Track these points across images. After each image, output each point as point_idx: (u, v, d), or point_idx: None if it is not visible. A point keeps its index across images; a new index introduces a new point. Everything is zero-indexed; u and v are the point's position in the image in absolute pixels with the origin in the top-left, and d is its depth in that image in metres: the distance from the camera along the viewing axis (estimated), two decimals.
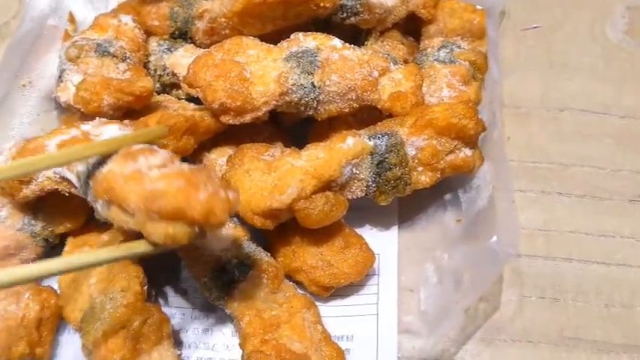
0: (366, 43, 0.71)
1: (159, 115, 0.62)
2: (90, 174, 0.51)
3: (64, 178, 0.56)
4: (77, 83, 0.65)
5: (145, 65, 0.71)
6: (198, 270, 0.59)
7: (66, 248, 0.62)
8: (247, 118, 0.62)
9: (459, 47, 0.70)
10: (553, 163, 0.71)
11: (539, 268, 0.65)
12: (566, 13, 0.80)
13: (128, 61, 0.68)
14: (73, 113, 0.70)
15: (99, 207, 0.51)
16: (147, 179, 0.45)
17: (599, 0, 0.80)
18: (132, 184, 0.46)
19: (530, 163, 0.71)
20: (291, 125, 0.69)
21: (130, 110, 0.64)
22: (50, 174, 0.56)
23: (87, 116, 0.64)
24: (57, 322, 0.60)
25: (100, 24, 0.71)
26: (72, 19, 0.78)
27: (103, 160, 0.50)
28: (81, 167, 0.52)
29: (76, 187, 0.55)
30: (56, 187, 0.57)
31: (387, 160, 0.59)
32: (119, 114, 0.64)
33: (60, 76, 0.67)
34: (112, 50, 0.68)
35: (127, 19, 0.72)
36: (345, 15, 0.68)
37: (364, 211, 0.65)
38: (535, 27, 0.79)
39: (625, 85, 0.75)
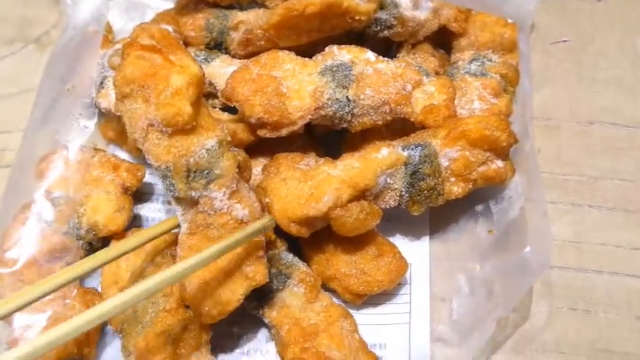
0: (398, 55, 0.73)
1: None
2: None
3: None
4: None
5: None
6: None
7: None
8: (283, 132, 0.63)
9: (490, 60, 0.71)
10: (583, 175, 0.71)
11: (569, 279, 0.65)
12: (596, 27, 0.80)
13: None
14: (111, 119, 0.72)
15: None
16: None
17: (629, 14, 0.81)
18: None
19: (561, 176, 0.71)
20: (324, 135, 0.70)
21: None
22: None
23: None
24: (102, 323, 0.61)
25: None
26: (109, 29, 0.80)
27: None
28: None
29: None
30: None
31: (420, 170, 0.60)
32: None
33: (101, 83, 0.69)
34: None
35: (167, 28, 0.74)
36: (379, 28, 0.69)
37: (395, 221, 0.66)
38: (564, 41, 0.79)
39: None
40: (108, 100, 0.69)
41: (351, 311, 0.61)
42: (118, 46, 0.72)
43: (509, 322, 0.63)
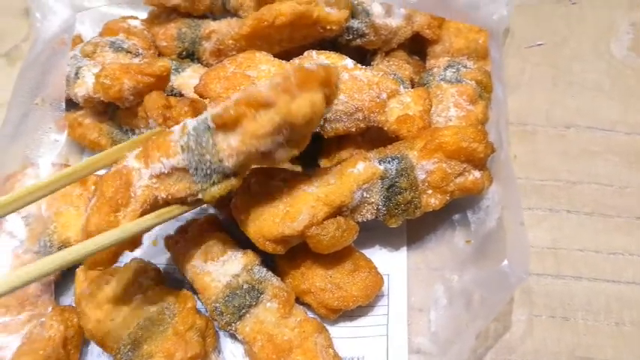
0: (372, 63, 0.72)
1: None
2: (203, 130, 0.51)
3: (169, 172, 0.53)
4: (96, 73, 0.66)
5: None
6: (208, 295, 0.59)
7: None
8: None
9: (465, 67, 0.70)
10: (560, 180, 0.71)
11: (548, 286, 0.65)
12: (571, 30, 0.80)
13: (141, 56, 0.70)
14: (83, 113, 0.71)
15: (234, 142, 0.51)
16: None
17: (604, 17, 0.81)
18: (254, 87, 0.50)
19: (538, 181, 0.71)
20: None
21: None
22: (145, 182, 0.54)
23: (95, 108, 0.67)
24: (81, 339, 0.61)
25: (110, 28, 0.73)
26: (80, 41, 0.78)
27: (203, 119, 0.52)
28: (184, 139, 0.52)
29: (186, 168, 0.53)
30: (157, 192, 0.54)
31: (397, 184, 0.59)
32: (139, 100, 0.66)
33: (76, 74, 0.69)
34: (125, 46, 0.69)
35: (135, 23, 0.74)
36: (351, 37, 0.68)
37: (373, 231, 0.66)
38: (539, 44, 0.79)
39: (630, 102, 0.75)
40: (85, 87, 0.68)
41: (327, 325, 0.60)
42: (89, 39, 0.71)
43: (490, 331, 0.62)
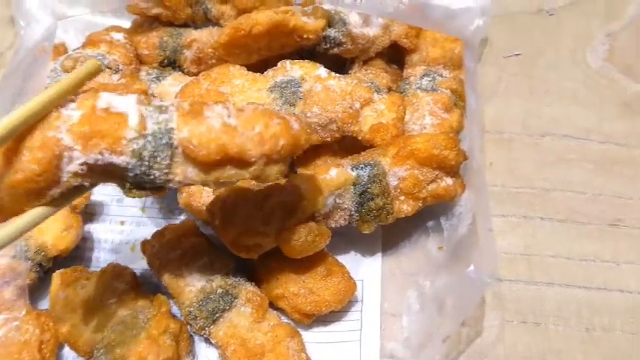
0: (350, 72, 0.73)
1: None
2: (164, 145, 0.46)
3: (105, 165, 0.46)
4: None
5: None
6: (183, 300, 0.60)
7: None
8: None
9: (441, 76, 0.71)
10: (535, 188, 0.72)
11: (520, 292, 0.66)
12: (548, 40, 0.81)
13: (121, 72, 0.71)
14: None
15: (192, 174, 0.47)
16: (246, 127, 0.46)
17: (580, 27, 0.82)
18: (238, 136, 0.46)
19: (513, 189, 0.72)
20: None
21: None
22: (75, 168, 0.46)
23: None
24: (57, 344, 0.61)
25: (92, 40, 0.74)
26: (64, 49, 0.79)
27: (167, 130, 0.46)
28: (139, 143, 0.46)
29: (127, 169, 0.47)
30: (83, 181, 0.47)
31: (369, 190, 0.60)
32: None
33: None
34: (105, 62, 0.70)
35: (118, 36, 0.74)
36: (328, 46, 0.69)
37: (349, 237, 0.67)
38: (517, 54, 0.80)
39: (605, 111, 0.76)
40: None
41: (301, 329, 0.61)
42: (70, 52, 0.72)
43: (462, 337, 0.63)
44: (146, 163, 0.46)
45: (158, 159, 0.46)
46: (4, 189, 0.45)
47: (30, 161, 0.44)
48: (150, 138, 0.46)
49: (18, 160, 0.44)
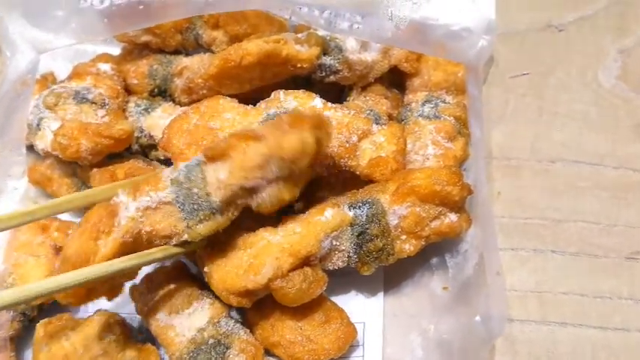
0: (348, 99, 0.69)
1: (127, 167, 0.65)
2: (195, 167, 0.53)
3: (160, 204, 0.54)
4: (55, 129, 0.64)
5: None
6: (173, 350, 0.56)
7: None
8: None
9: (444, 102, 0.68)
10: (546, 219, 0.68)
11: (532, 333, 0.62)
12: (557, 59, 0.77)
13: (107, 107, 0.68)
14: (42, 162, 0.69)
15: (220, 173, 0.52)
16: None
17: (591, 44, 0.78)
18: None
19: (522, 220, 0.68)
20: None
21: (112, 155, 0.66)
22: (132, 213, 0.53)
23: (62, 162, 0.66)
24: None
25: (78, 72, 0.71)
26: (52, 79, 0.76)
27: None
28: (182, 169, 0.54)
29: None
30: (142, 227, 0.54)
31: (367, 231, 0.57)
32: (99, 158, 0.65)
33: (38, 124, 0.66)
34: (90, 97, 0.67)
35: (105, 67, 0.72)
36: (324, 74, 0.66)
37: (349, 277, 0.63)
38: (525, 74, 0.76)
39: (619, 134, 0.72)
40: (45, 140, 0.66)
41: None
42: (54, 86, 0.69)
43: None
44: (184, 184, 0.53)
45: (192, 176, 0.54)
46: None
47: None
48: (183, 167, 0.55)
49: None
